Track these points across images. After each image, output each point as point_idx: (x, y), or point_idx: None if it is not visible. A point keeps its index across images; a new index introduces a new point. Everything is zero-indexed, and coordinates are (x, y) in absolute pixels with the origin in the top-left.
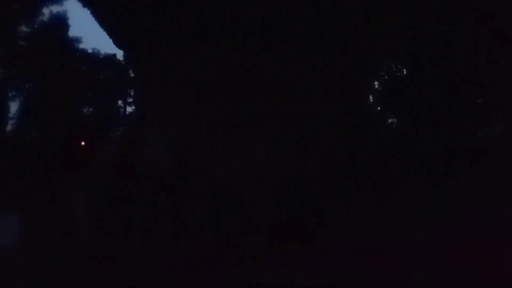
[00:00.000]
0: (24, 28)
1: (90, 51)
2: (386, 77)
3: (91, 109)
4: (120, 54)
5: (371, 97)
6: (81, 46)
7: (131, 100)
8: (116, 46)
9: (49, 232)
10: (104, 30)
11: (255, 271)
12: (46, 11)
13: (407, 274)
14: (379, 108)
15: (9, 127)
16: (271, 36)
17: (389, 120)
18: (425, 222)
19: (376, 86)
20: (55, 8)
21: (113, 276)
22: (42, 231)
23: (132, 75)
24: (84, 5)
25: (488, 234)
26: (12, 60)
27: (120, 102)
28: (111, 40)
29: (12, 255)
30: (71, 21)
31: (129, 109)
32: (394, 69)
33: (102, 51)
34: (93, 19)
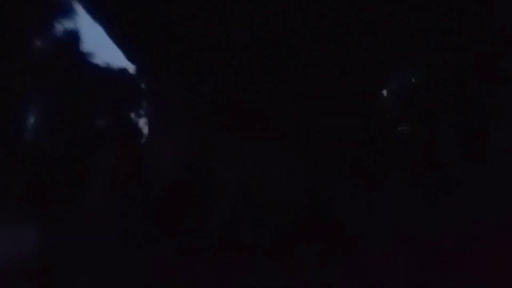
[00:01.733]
0: (38, 43)
1: (102, 64)
2: (399, 81)
3: (103, 122)
4: (131, 67)
5: (381, 100)
6: (93, 60)
7: (142, 112)
8: (127, 59)
9: (67, 238)
10: (116, 45)
11: (266, 275)
12: (59, 26)
13: (413, 276)
14: (392, 113)
15: (25, 139)
16: (282, 43)
17: (402, 125)
18: (438, 225)
19: (389, 91)
20: (68, 24)
21: (125, 279)
22: (61, 238)
23: (144, 88)
24: (96, 21)
25: (502, 237)
26: (28, 74)
27: (132, 115)
28: (122, 54)
29: (29, 262)
30: (83, 36)
31: (141, 121)
32: (407, 73)
33: (114, 65)
34: (105, 34)
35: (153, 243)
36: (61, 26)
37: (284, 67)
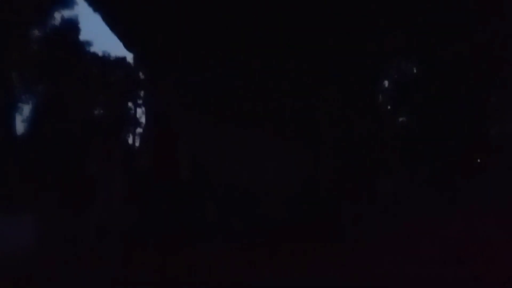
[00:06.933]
0: (36, 32)
1: (100, 54)
2: (396, 76)
3: (102, 111)
4: (130, 56)
5: (380, 97)
6: (92, 49)
7: (141, 101)
8: (126, 49)
9: (63, 233)
10: (115, 34)
11: (264, 272)
12: (57, 15)
13: (413, 273)
14: (389, 107)
15: (21, 129)
16: (280, 38)
17: (399, 119)
18: (435, 221)
19: (386, 86)
20: (66, 13)
21: (124, 276)
22: (56, 232)
23: (142, 77)
24: (95, 10)
25: (499, 232)
26: (25, 64)
27: (130, 104)
28: (121, 43)
29: (26, 255)
30: (82, 25)
31: (139, 110)
32: (403, 67)
33: (112, 54)
34: (103, 23)
35: (152, 237)
36: (60, 14)
37: (284, 60)
